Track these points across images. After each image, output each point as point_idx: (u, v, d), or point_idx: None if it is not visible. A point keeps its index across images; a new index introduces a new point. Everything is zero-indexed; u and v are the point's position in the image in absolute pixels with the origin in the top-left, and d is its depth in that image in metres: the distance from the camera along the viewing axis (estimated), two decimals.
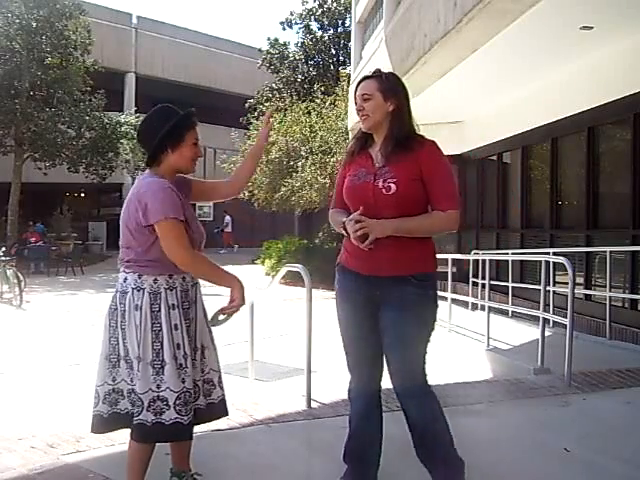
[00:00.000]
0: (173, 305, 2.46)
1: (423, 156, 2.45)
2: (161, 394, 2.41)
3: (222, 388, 2.66)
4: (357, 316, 2.57)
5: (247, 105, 26.87)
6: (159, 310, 2.43)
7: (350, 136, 14.80)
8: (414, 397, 2.49)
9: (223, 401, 2.66)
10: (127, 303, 2.46)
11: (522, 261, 9.43)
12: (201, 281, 2.64)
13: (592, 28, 6.56)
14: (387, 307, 2.48)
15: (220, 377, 2.65)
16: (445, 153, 2.57)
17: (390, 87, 2.52)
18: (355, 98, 2.58)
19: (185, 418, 2.42)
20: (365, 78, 2.56)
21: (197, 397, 2.53)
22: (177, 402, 2.41)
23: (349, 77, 17.87)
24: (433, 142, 2.51)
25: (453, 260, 8.81)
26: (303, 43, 27.67)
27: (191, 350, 2.49)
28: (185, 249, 2.44)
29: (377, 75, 2.55)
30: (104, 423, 2.52)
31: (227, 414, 2.71)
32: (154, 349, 2.41)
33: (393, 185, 2.42)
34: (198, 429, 3.50)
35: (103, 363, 2.51)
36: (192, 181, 2.74)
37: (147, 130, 2.58)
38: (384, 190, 2.43)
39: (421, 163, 2.44)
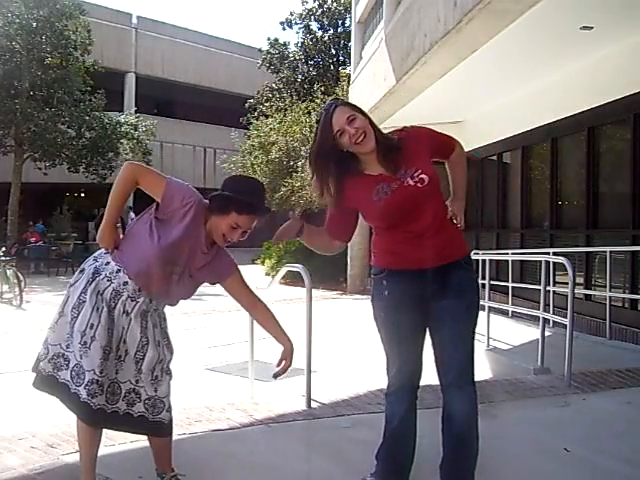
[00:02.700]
0: (100, 291, 2.46)
1: (420, 137, 2.56)
2: (66, 354, 2.45)
3: (148, 410, 2.51)
4: (408, 316, 2.50)
5: (247, 105, 26.90)
6: (91, 284, 2.47)
7: None
8: (462, 389, 2.47)
9: (145, 420, 2.52)
10: (86, 266, 2.56)
11: (522, 261, 9.42)
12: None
13: (592, 28, 6.56)
14: (443, 298, 2.46)
15: (153, 400, 2.51)
16: None
17: (353, 105, 2.54)
18: (335, 133, 2.42)
19: (73, 386, 2.41)
20: (332, 113, 2.43)
21: (115, 398, 2.48)
22: (73, 370, 2.42)
23: (349, 77, 17.83)
24: (412, 126, 2.64)
25: None
26: (303, 43, 27.68)
27: (106, 343, 2.43)
28: (135, 164, 2.55)
29: (340, 104, 2.48)
30: (42, 381, 2.50)
31: (153, 433, 2.58)
32: (72, 313, 2.45)
33: (424, 175, 2.43)
34: (198, 429, 3.51)
35: (64, 326, 2.50)
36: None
37: (224, 185, 2.57)
38: (419, 184, 2.43)
39: (422, 144, 2.53)
